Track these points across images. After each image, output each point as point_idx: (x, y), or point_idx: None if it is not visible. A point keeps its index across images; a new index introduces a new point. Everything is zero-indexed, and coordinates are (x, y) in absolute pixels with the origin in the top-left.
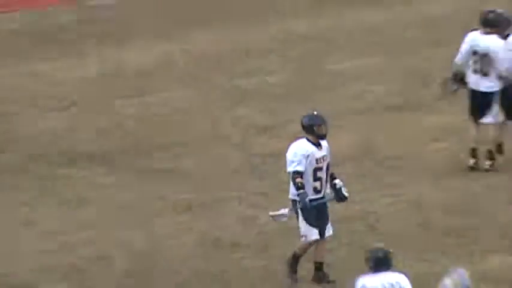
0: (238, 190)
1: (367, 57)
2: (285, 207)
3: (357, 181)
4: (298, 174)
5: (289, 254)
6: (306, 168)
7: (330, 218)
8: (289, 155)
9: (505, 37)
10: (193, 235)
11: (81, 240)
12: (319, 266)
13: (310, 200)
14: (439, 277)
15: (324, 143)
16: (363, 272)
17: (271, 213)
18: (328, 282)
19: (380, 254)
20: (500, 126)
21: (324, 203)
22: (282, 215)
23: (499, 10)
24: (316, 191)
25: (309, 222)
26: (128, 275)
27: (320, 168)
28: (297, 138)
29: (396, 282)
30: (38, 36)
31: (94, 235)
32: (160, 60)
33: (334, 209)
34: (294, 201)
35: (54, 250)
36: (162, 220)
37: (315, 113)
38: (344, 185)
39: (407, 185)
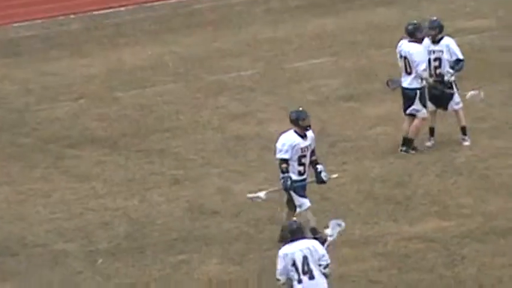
0: (217, 167)
1: (320, 58)
2: (261, 190)
3: None
4: (284, 161)
5: (256, 217)
6: (292, 156)
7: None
8: (279, 144)
9: (434, 41)
10: (181, 203)
11: (87, 209)
12: None
13: (295, 181)
14: (381, 237)
15: (309, 133)
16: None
17: (249, 195)
18: None
19: (294, 226)
20: (432, 113)
21: (305, 184)
22: (258, 197)
23: (417, 22)
24: (300, 173)
25: (300, 194)
26: (126, 237)
27: (304, 156)
28: (286, 130)
29: (312, 246)
30: (52, 41)
31: (98, 204)
32: (153, 60)
33: None
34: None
35: (65, 217)
36: (155, 191)
37: (300, 108)
38: (324, 170)
39: (354, 162)
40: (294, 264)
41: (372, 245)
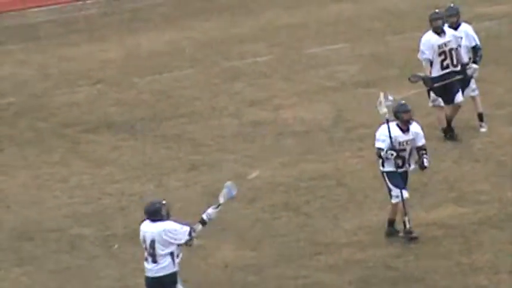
0: (233, 152)
1: (336, 44)
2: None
3: (330, 145)
4: (380, 150)
5: (272, 203)
6: (389, 147)
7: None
8: (378, 134)
9: (452, 28)
10: (197, 189)
11: (105, 193)
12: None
13: (392, 172)
14: (398, 223)
15: (413, 127)
16: (335, 219)
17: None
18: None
19: (152, 207)
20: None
21: (406, 172)
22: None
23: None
24: (398, 167)
25: (393, 183)
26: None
27: (403, 150)
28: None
29: (164, 230)
30: (70, 26)
31: (115, 189)
32: (169, 46)
33: (307, 168)
34: (382, 172)
35: (82, 201)
36: (172, 176)
37: (402, 102)
38: (427, 157)
39: (370, 148)
40: (144, 242)
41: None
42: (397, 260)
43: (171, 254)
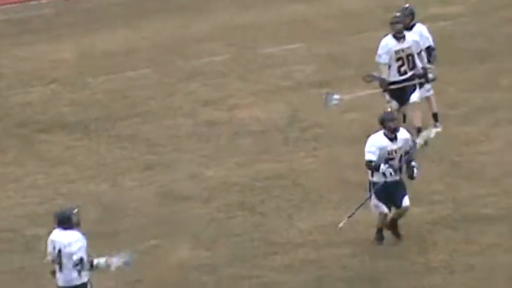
0: (188, 152)
1: (292, 44)
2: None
3: (285, 145)
4: (370, 162)
5: (227, 202)
6: (379, 157)
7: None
8: (367, 146)
9: (406, 28)
10: (152, 189)
11: (58, 194)
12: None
13: (377, 183)
14: (353, 223)
15: (400, 135)
16: (290, 219)
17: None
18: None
19: (62, 215)
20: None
21: (396, 182)
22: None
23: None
24: (390, 174)
25: (379, 198)
26: (98, 222)
27: (392, 159)
28: (376, 130)
29: (68, 242)
30: (24, 25)
31: (70, 189)
32: (124, 45)
33: (262, 167)
34: (370, 182)
35: (36, 202)
36: (127, 176)
37: (388, 109)
38: (418, 167)
39: (325, 148)
40: (54, 250)
41: (344, 231)
42: (353, 260)
43: (78, 264)
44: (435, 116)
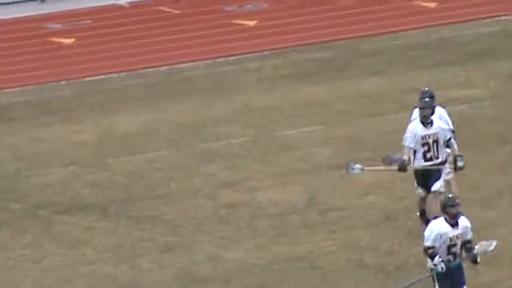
0: (208, 234)
1: (310, 126)
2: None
3: (303, 228)
4: (429, 248)
5: (246, 284)
6: (440, 245)
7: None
8: (427, 231)
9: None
10: (171, 271)
11: (77, 275)
12: None
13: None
14: None
15: (461, 221)
16: None
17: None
18: None
19: None
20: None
21: (458, 266)
22: None
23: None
24: (449, 261)
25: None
26: None
27: (454, 245)
28: (435, 217)
29: None
30: (43, 107)
31: (88, 271)
32: (144, 127)
33: (281, 250)
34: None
35: (54, 283)
36: (145, 258)
37: (450, 195)
38: (481, 252)
39: (344, 231)
40: None
41: None
42: None
43: None
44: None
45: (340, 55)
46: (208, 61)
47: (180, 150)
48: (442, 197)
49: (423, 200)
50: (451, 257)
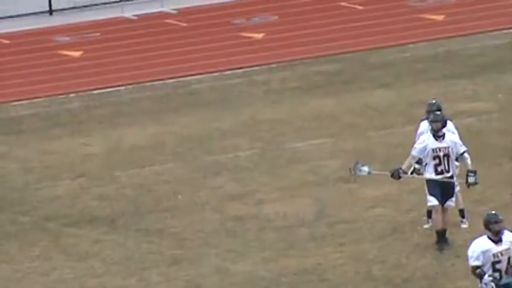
0: (215, 247)
1: (318, 139)
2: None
3: (311, 240)
4: (476, 268)
5: None
6: (484, 262)
7: None
8: (470, 251)
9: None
10: (179, 283)
11: None
12: None
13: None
14: None
15: (506, 237)
16: None
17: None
18: None
19: None
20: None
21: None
22: None
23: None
24: (496, 279)
25: None
26: None
27: (498, 262)
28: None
29: None
30: (52, 119)
31: (96, 283)
32: (152, 140)
33: (289, 263)
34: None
35: None
36: (153, 271)
37: (493, 212)
38: None
39: (352, 244)
40: None
41: None
42: None
43: None
44: (462, 212)
45: (348, 68)
46: (216, 74)
47: (187, 163)
48: (484, 215)
49: (432, 207)
50: (497, 274)
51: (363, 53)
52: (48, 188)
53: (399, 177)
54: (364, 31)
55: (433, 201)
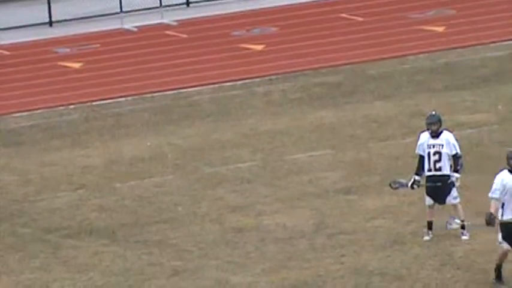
0: (215, 258)
1: (319, 150)
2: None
3: (311, 252)
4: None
5: None
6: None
7: None
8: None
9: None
10: None
11: None
12: None
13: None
14: None
15: None
16: None
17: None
18: None
19: None
20: (430, 207)
21: None
22: None
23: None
24: None
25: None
26: None
27: None
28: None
29: None
30: (52, 131)
31: None
32: (151, 151)
33: (289, 274)
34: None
35: None
36: (153, 282)
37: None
38: None
39: (352, 255)
40: None
41: None
42: None
43: None
44: (462, 225)
45: (348, 79)
46: (216, 85)
47: (187, 174)
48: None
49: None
50: None
51: (363, 64)
52: (48, 200)
53: (396, 188)
54: (364, 43)
55: (429, 201)
